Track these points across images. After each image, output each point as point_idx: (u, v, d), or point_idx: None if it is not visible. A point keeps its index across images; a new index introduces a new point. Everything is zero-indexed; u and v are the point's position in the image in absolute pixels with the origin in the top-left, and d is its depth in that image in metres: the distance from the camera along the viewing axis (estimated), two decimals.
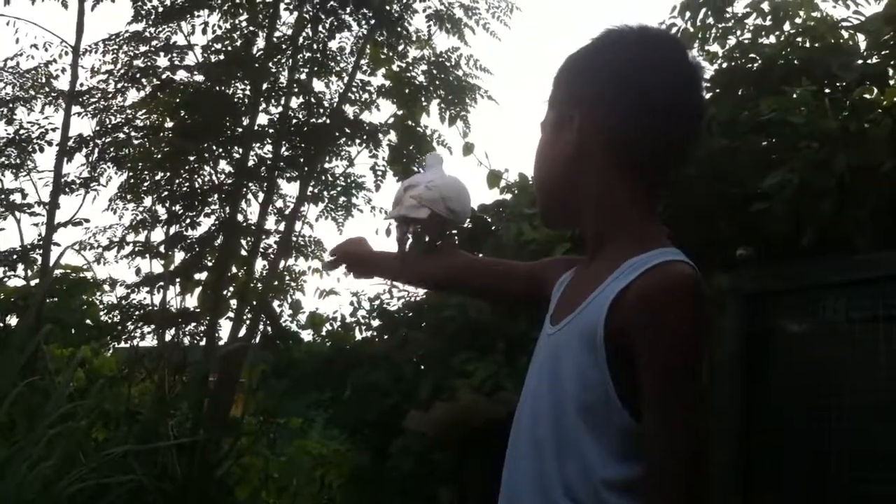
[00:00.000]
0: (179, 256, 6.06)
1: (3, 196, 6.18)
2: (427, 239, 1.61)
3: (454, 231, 1.77)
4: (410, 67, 6.21)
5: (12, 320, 6.01)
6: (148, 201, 6.14)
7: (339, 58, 6.23)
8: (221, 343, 5.89)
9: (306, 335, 6.09)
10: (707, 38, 4.49)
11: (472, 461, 3.65)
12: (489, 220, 4.86)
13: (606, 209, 1.26)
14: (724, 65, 4.24)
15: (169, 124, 6.16)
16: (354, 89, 6.23)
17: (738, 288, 2.25)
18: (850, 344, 2.10)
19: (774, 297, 2.29)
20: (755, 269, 2.63)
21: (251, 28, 6.15)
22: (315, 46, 6.14)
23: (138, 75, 6.00)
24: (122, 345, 6.23)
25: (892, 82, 3.92)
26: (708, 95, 4.16)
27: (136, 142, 6.11)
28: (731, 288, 2.24)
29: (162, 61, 6.08)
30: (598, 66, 1.28)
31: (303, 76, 6.19)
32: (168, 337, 6.02)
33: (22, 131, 6.23)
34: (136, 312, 6.06)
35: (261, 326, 6.05)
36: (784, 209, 3.43)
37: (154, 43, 6.06)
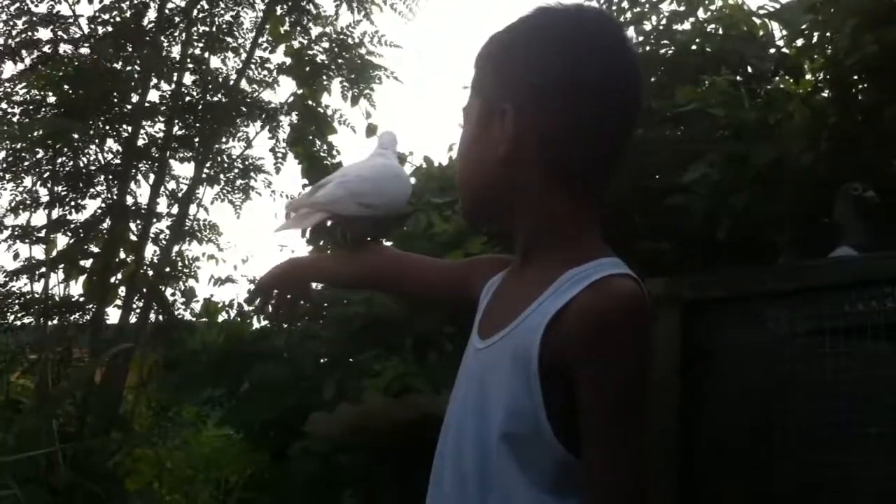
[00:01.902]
0: (63, 241, 5.75)
1: None
2: (349, 237, 1.45)
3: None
4: (312, 44, 5.96)
5: None
6: (28, 181, 5.80)
7: (236, 32, 5.94)
8: (109, 334, 5.59)
9: (202, 326, 5.83)
10: (622, 23, 4.40)
11: (379, 466, 3.49)
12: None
13: (541, 215, 1.15)
14: (639, 50, 4.16)
15: (52, 100, 5.79)
16: (253, 66, 5.99)
17: (675, 295, 2.13)
18: (795, 357, 2.00)
19: (716, 305, 2.18)
20: (692, 275, 2.53)
21: None
22: (211, 20, 5.84)
23: (18, 48, 5.61)
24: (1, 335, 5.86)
25: (808, 74, 3.90)
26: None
27: (14, 119, 5.71)
28: (666, 295, 2.12)
29: (44, 33, 5.71)
30: (532, 55, 1.15)
31: (197, 51, 5.92)
32: (51, 327, 5.67)
33: None
34: (17, 301, 5.70)
35: (152, 316, 5.78)
36: (702, 203, 3.37)
37: (35, 12, 5.66)
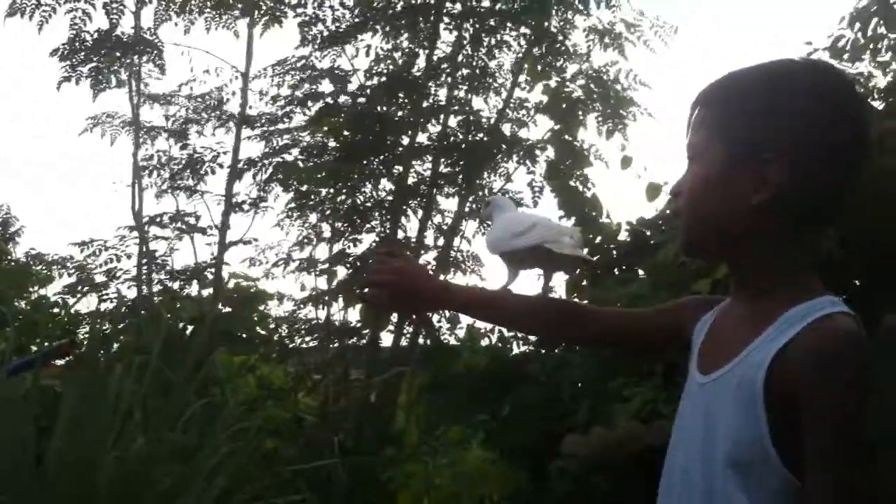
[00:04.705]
0: (342, 272, 6.22)
1: (178, 218, 6.51)
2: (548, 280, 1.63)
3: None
4: (568, 83, 6.18)
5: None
6: (313, 218, 6.34)
7: (496, 75, 6.27)
8: (382, 356, 6.01)
9: (465, 350, 6.13)
10: (878, 49, 4.32)
11: (630, 488, 3.62)
12: (648, 234, 4.80)
13: (773, 257, 1.23)
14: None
15: (333, 144, 6.33)
16: (512, 106, 6.27)
17: None
18: None
19: None
20: None
21: (412, 48, 6.26)
22: (474, 64, 6.20)
23: (304, 99, 6.21)
24: (291, 357, 6.45)
25: None
26: (880, 106, 4.00)
27: (300, 163, 6.30)
28: None
29: (326, 86, 6.27)
30: (780, 110, 1.23)
31: (461, 94, 6.27)
32: (332, 350, 6.16)
33: (195, 155, 6.55)
34: (303, 326, 6.26)
35: (421, 340, 6.14)
36: None
37: (319, 67, 6.26)
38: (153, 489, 2.75)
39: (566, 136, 6.20)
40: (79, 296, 6.49)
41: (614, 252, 4.96)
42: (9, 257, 9.54)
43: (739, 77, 1.28)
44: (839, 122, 1.21)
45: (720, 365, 1.22)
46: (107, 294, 6.38)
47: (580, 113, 6.15)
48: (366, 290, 1.60)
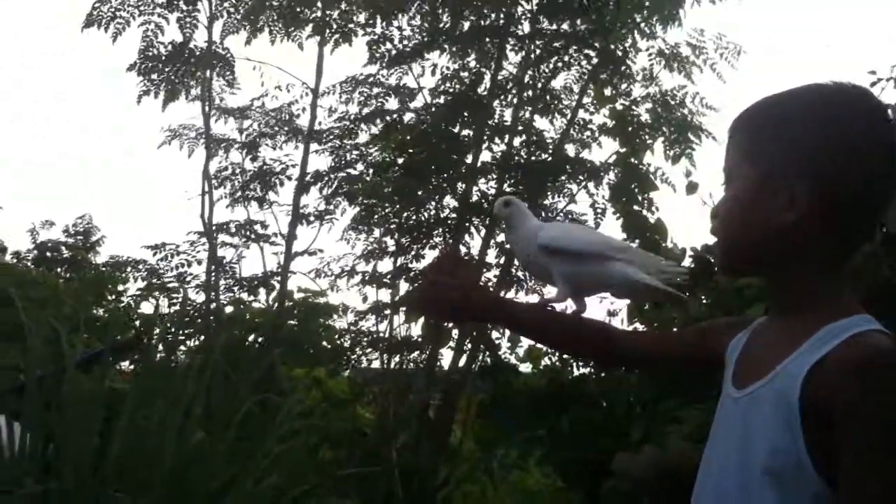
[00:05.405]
0: (405, 287, 6.29)
1: (248, 226, 6.70)
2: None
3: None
4: (634, 106, 6.21)
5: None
6: (377, 233, 6.45)
7: (561, 96, 6.33)
8: (441, 372, 6.06)
9: (524, 368, 6.16)
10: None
11: None
12: (712, 260, 4.79)
13: (806, 278, 1.26)
14: None
15: (399, 161, 6.43)
16: (576, 127, 6.31)
17: None
18: None
19: None
20: None
21: (478, 68, 6.35)
22: (538, 85, 6.26)
23: (371, 116, 6.35)
24: (352, 369, 6.54)
25: None
26: None
27: (367, 178, 6.43)
28: None
29: (392, 103, 6.41)
30: (810, 132, 1.25)
31: (526, 114, 6.33)
32: (393, 364, 6.25)
33: (265, 167, 6.73)
34: (365, 339, 6.36)
35: (480, 357, 6.18)
36: None
37: (386, 84, 6.39)
38: (210, 480, 2.84)
39: (632, 160, 6.21)
40: (149, 299, 6.70)
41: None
42: (91, 264, 9.85)
43: (771, 102, 1.31)
44: (871, 144, 1.24)
45: (755, 379, 1.25)
46: (176, 298, 6.59)
47: (646, 137, 6.15)
48: (421, 291, 1.64)
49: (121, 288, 8.61)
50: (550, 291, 1.65)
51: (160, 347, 3.81)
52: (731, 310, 3.89)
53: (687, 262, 4.97)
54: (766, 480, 1.17)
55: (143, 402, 2.93)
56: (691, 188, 5.43)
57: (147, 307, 7.47)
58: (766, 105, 1.31)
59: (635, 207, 5.79)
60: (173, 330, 5.40)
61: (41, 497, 2.58)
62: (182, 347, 6.06)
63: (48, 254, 10.10)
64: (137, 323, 7.27)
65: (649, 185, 5.97)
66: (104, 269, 8.88)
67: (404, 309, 6.13)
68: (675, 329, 4.03)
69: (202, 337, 6.42)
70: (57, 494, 2.58)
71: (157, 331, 4.52)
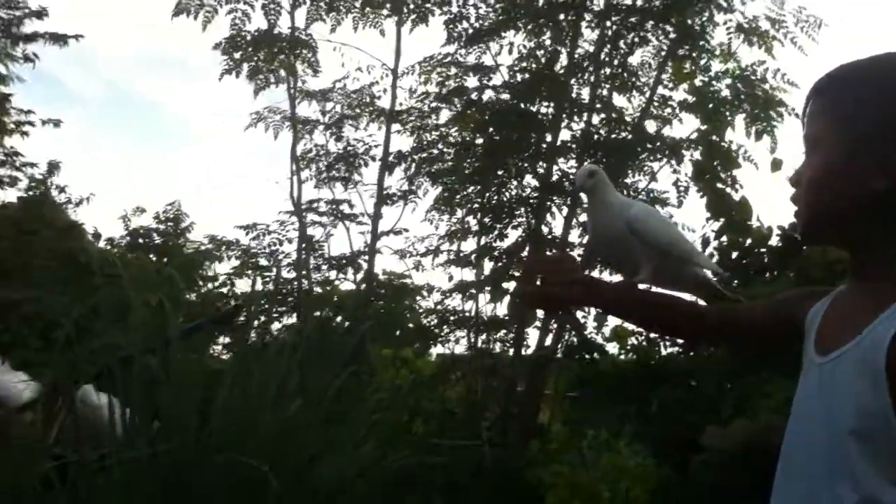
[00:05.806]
0: (489, 266, 6.33)
1: (334, 206, 6.84)
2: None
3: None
4: (714, 82, 6.13)
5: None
6: (460, 213, 6.51)
7: (639, 73, 6.29)
8: (529, 351, 6.08)
9: (610, 348, 6.15)
10: None
11: (770, 480, 3.60)
12: (799, 238, 4.74)
13: (891, 245, 1.27)
14: None
15: (478, 141, 6.49)
16: (656, 104, 6.27)
17: None
18: None
19: None
20: None
21: (554, 46, 6.36)
22: (616, 62, 6.23)
23: (451, 95, 6.40)
24: (440, 348, 6.64)
25: None
26: None
27: (448, 158, 6.50)
28: None
29: (471, 81, 6.44)
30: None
31: (604, 92, 6.31)
32: (479, 343, 6.31)
33: (349, 147, 6.87)
34: (451, 317, 6.43)
35: (566, 337, 6.18)
36: None
37: (463, 63, 6.43)
38: (306, 447, 2.95)
39: (713, 137, 6.14)
40: (243, 276, 6.90)
41: (765, 257, 4.91)
42: (182, 250, 10.12)
43: (855, 67, 1.30)
44: None
45: (839, 346, 1.25)
46: (269, 276, 6.78)
47: (727, 113, 6.06)
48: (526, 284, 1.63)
49: (210, 273, 8.88)
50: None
51: (255, 324, 3.92)
52: (818, 283, 3.85)
53: (774, 240, 4.93)
54: (853, 440, 1.19)
55: (240, 376, 3.04)
56: (775, 165, 5.34)
57: (241, 286, 7.73)
58: (857, 69, 1.30)
59: (719, 185, 5.73)
60: (267, 307, 5.55)
61: (150, 463, 2.72)
62: (276, 325, 6.23)
63: (140, 240, 10.39)
64: (233, 302, 7.47)
65: (732, 163, 5.90)
66: (203, 246, 9.11)
67: (491, 288, 6.17)
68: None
69: (294, 314, 6.60)
70: (167, 457, 2.71)
71: (253, 308, 4.65)
